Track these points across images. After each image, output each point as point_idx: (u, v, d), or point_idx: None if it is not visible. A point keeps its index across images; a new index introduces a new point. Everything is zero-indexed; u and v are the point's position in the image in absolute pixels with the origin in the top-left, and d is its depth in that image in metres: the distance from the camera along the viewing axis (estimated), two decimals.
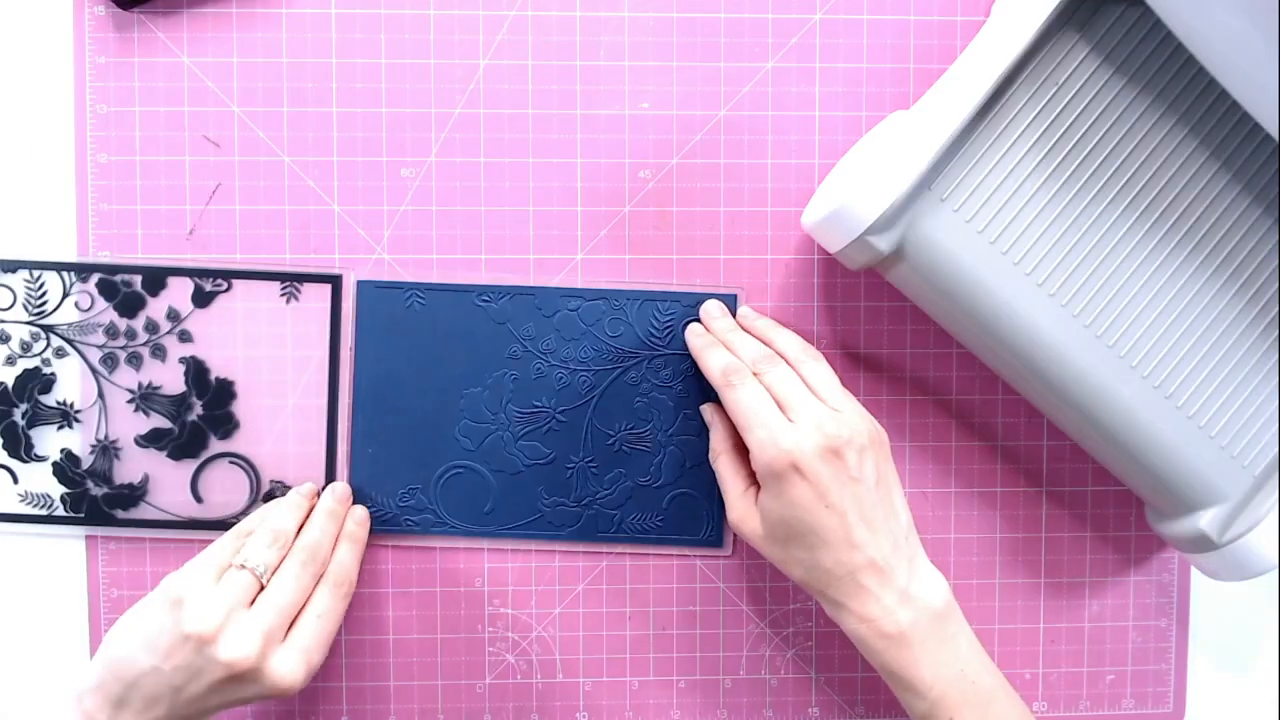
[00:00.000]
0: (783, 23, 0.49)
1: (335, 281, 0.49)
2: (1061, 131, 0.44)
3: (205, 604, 0.41)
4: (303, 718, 0.50)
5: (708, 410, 0.49)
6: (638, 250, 0.49)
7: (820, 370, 0.45)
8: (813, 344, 0.50)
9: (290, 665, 0.41)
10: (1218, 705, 0.53)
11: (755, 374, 0.44)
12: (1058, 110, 0.44)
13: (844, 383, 0.50)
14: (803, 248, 0.50)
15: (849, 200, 0.42)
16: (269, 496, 0.49)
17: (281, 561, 0.44)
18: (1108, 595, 0.52)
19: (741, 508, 0.45)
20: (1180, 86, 0.44)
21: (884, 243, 0.43)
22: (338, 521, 0.47)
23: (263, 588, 0.43)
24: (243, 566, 0.42)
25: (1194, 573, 0.53)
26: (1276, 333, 0.45)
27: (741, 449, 0.47)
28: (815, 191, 0.48)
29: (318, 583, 0.45)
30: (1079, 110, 0.44)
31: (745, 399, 0.43)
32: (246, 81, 0.48)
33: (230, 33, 0.48)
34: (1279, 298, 0.45)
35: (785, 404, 0.43)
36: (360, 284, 0.48)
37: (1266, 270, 0.45)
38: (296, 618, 0.43)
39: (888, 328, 0.50)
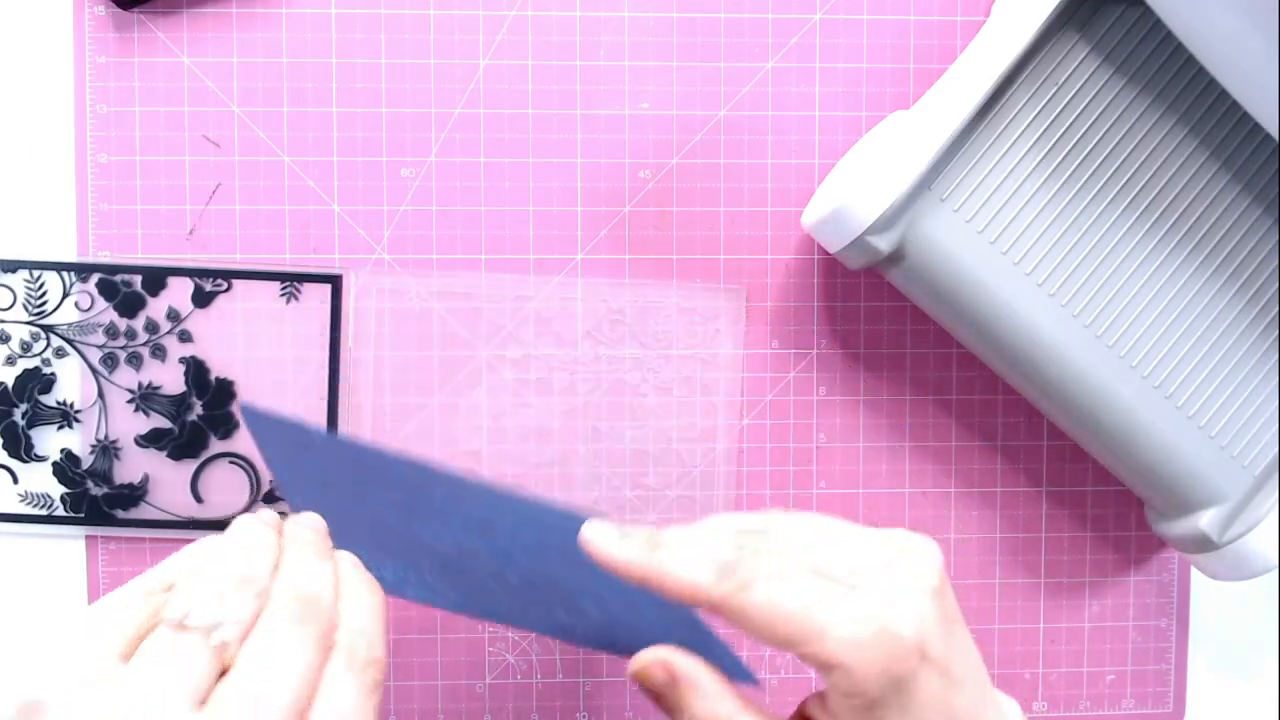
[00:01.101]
0: (783, 23, 0.49)
1: (335, 281, 0.49)
2: (1061, 131, 0.44)
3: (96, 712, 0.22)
4: None
5: (658, 666, 0.30)
6: (638, 250, 0.49)
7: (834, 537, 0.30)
8: (812, 344, 0.50)
9: None
10: (1218, 705, 0.53)
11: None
12: (1058, 110, 0.44)
13: (844, 383, 0.50)
14: (803, 248, 0.50)
15: (849, 200, 0.42)
16: (269, 497, 0.49)
17: (257, 618, 0.26)
18: (1108, 595, 0.52)
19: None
20: (1180, 86, 0.44)
21: (884, 243, 0.43)
22: (328, 560, 0.29)
23: (225, 669, 0.24)
24: (183, 626, 0.24)
25: (1194, 573, 0.53)
26: (1276, 333, 0.45)
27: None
28: (815, 191, 0.48)
29: (325, 657, 0.26)
30: (1079, 110, 0.44)
31: (779, 590, 0.28)
32: (246, 81, 0.48)
33: (230, 33, 0.48)
34: (1279, 298, 0.45)
35: (823, 571, 0.28)
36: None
37: (1266, 270, 0.45)
38: None
39: (888, 328, 0.50)
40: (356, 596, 0.28)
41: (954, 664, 0.27)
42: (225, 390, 0.49)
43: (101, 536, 0.49)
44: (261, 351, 0.49)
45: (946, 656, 0.27)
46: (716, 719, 0.30)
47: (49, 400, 0.48)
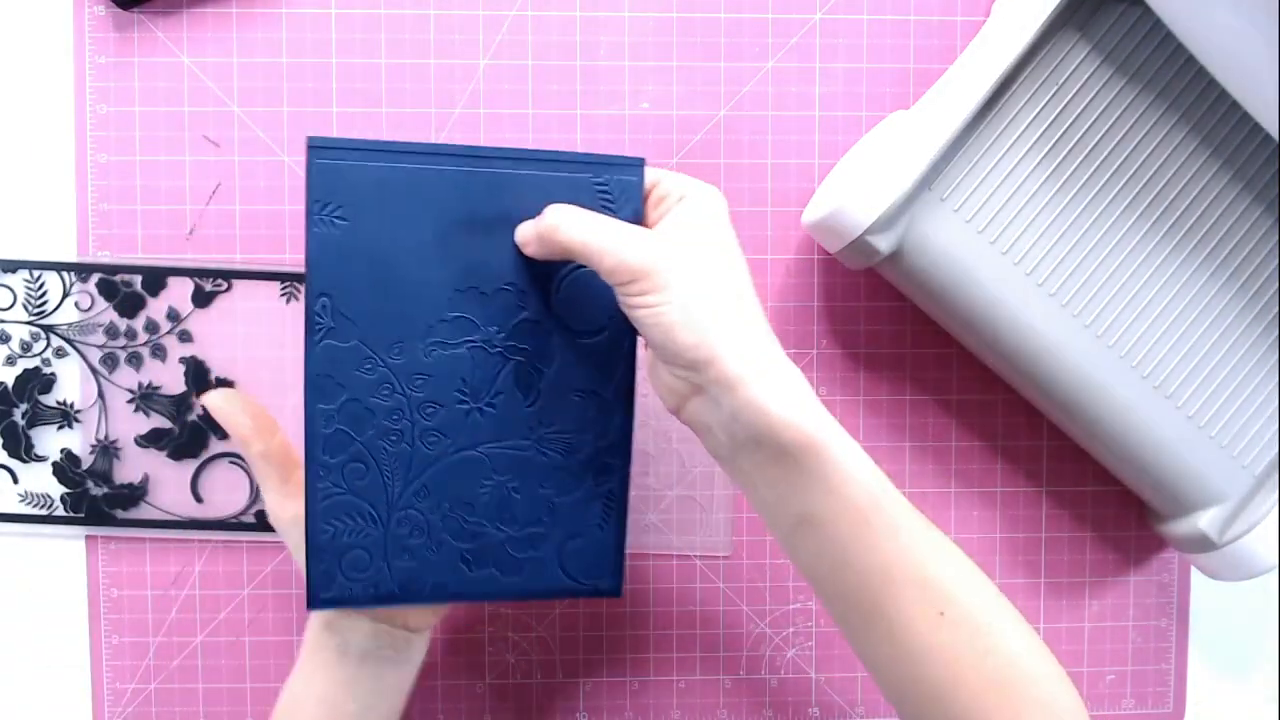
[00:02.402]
0: (783, 23, 0.49)
1: None
2: (1061, 131, 0.44)
3: None
4: None
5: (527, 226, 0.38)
6: None
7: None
8: (812, 344, 0.50)
9: None
10: (1218, 705, 0.53)
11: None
12: (1058, 110, 0.44)
13: (844, 383, 0.51)
14: (803, 248, 0.50)
15: (849, 200, 0.42)
16: None
17: None
18: (1108, 595, 0.52)
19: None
20: (1180, 86, 0.44)
21: (884, 243, 0.43)
22: None
23: None
24: None
25: (1194, 573, 0.53)
26: (1276, 333, 0.45)
27: None
28: (815, 191, 0.48)
29: None
30: (1079, 110, 0.44)
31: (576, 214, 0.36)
32: (246, 81, 0.48)
33: (230, 33, 0.48)
34: (1279, 298, 0.45)
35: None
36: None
37: (1266, 270, 0.45)
38: None
39: (888, 328, 0.50)
40: None
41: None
42: None
43: (101, 536, 0.49)
44: (261, 351, 0.49)
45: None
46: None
47: (49, 400, 0.48)
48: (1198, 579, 0.53)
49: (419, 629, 0.43)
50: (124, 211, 0.48)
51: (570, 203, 0.37)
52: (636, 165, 0.38)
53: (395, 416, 0.38)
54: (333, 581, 0.38)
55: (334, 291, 0.37)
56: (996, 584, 0.52)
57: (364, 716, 0.42)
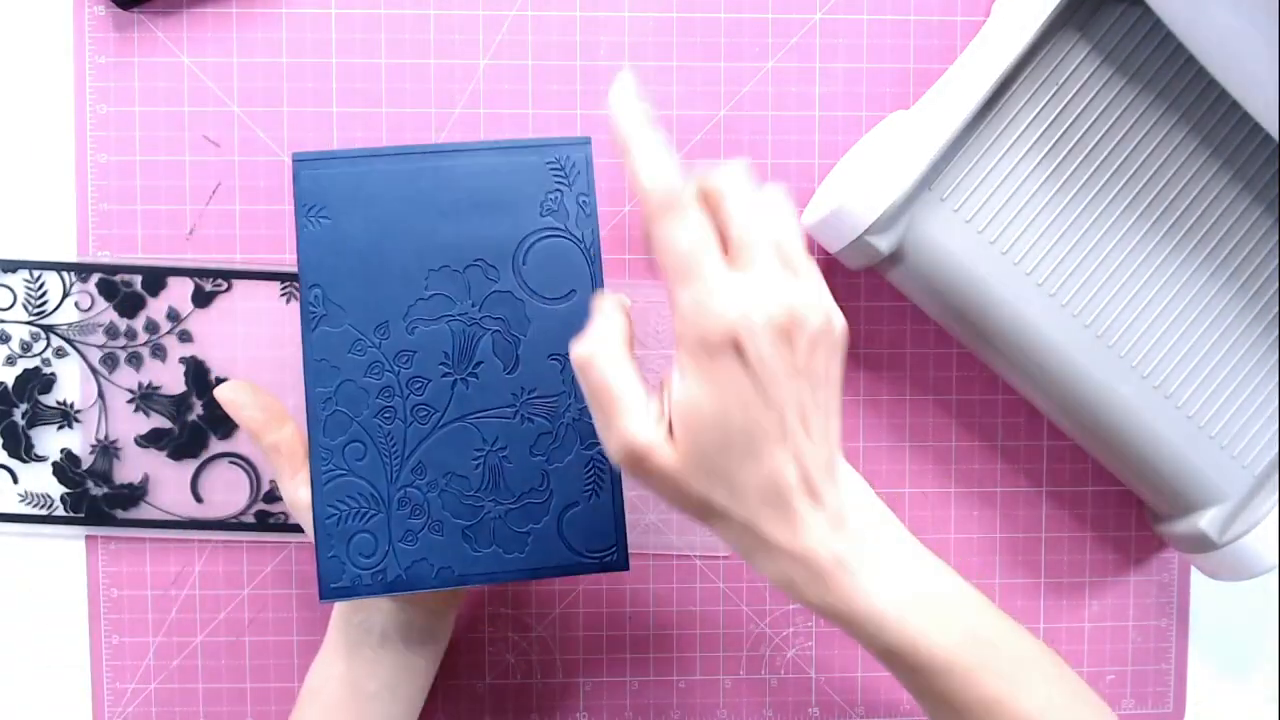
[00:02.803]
0: (783, 23, 0.49)
1: None
2: (1061, 131, 0.44)
3: None
4: None
5: (606, 298, 0.36)
6: (638, 250, 0.49)
7: (786, 214, 0.34)
8: None
9: None
10: (1218, 705, 0.53)
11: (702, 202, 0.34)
12: (1058, 110, 0.44)
13: (844, 383, 0.50)
14: None
15: (849, 200, 0.42)
16: (269, 496, 0.49)
17: None
18: (1108, 595, 0.52)
19: (644, 421, 0.33)
20: (1180, 86, 0.44)
21: (884, 243, 0.43)
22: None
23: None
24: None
25: (1194, 573, 0.53)
26: (1276, 333, 0.45)
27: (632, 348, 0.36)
28: (815, 191, 0.48)
29: None
30: (1079, 110, 0.44)
31: (686, 238, 0.32)
32: (246, 81, 0.48)
33: (230, 33, 0.48)
34: (1279, 298, 0.45)
35: (738, 247, 0.33)
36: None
37: (1266, 270, 0.45)
38: None
39: (888, 328, 0.50)
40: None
41: (774, 385, 0.32)
42: None
43: (101, 536, 0.49)
44: (262, 351, 0.49)
45: (765, 369, 0.32)
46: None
47: (49, 400, 0.48)
48: (1198, 579, 0.53)
49: (440, 610, 0.43)
50: (124, 211, 0.48)
51: (526, 182, 0.41)
52: (584, 143, 0.42)
53: (387, 394, 0.41)
54: (343, 570, 0.40)
55: (323, 282, 0.40)
56: (996, 584, 0.52)
57: (386, 697, 0.42)
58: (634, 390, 0.33)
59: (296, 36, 0.48)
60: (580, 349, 0.34)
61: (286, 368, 0.49)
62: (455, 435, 0.41)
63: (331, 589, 0.40)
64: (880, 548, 0.35)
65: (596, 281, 0.41)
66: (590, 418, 0.39)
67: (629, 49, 0.49)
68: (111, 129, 0.48)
